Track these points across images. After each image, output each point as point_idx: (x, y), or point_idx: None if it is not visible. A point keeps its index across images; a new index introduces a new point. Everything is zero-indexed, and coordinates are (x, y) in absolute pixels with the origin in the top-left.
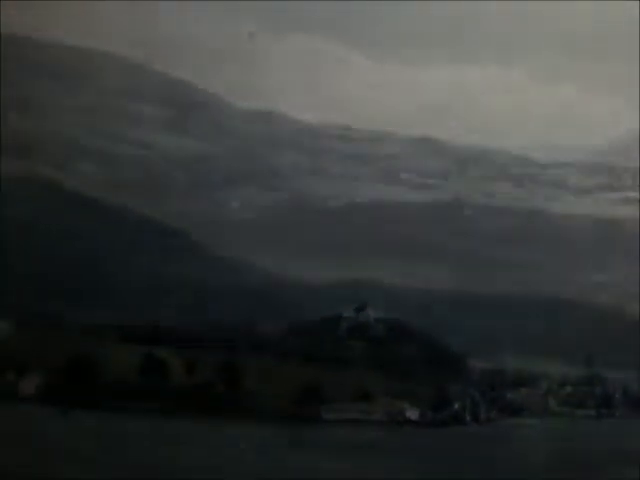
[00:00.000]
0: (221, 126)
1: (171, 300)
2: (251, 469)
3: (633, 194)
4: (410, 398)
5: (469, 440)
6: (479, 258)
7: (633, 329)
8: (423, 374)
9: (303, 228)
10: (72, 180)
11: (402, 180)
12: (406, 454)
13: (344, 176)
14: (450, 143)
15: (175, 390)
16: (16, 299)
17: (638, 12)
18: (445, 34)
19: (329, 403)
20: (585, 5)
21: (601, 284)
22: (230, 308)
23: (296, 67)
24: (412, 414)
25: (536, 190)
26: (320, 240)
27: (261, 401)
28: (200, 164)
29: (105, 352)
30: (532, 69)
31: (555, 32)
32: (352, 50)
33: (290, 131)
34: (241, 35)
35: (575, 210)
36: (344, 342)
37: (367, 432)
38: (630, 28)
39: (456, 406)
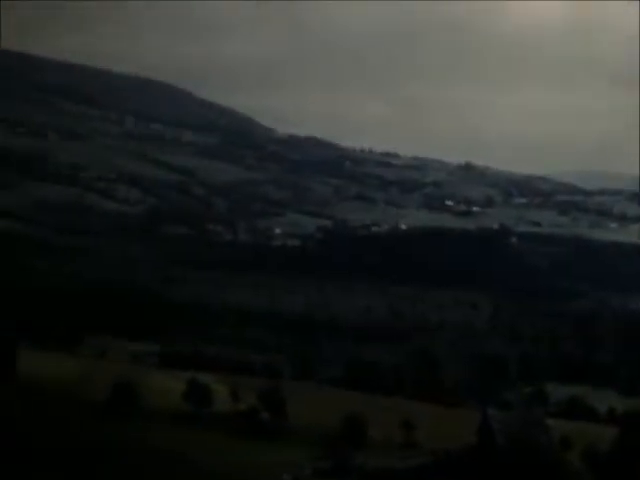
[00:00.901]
0: (263, 152)
1: (215, 326)
2: None
3: None
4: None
5: None
6: (523, 286)
7: None
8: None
9: (347, 254)
10: (118, 206)
11: (446, 207)
12: None
13: (388, 202)
14: (495, 170)
15: (219, 416)
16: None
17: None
18: (493, 59)
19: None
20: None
21: None
22: (273, 333)
23: (334, 92)
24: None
25: (581, 218)
26: (364, 267)
27: (305, 427)
28: (242, 191)
29: (148, 378)
30: (580, 97)
31: (609, 61)
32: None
33: (333, 157)
34: (281, 61)
35: (620, 238)
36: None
37: (413, 459)
38: None
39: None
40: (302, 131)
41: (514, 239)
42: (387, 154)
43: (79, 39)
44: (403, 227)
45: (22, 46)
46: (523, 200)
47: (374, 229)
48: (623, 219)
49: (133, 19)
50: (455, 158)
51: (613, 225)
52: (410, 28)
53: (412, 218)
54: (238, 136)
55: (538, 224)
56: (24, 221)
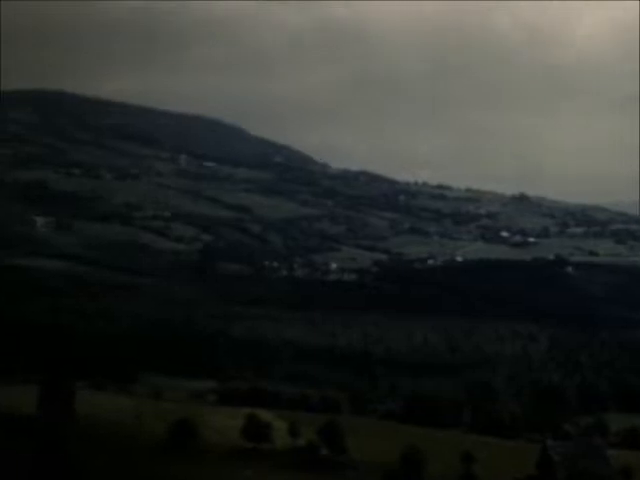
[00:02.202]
0: (317, 188)
1: (272, 362)
2: None
3: None
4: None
5: None
6: (581, 316)
7: None
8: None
9: (403, 288)
10: (173, 245)
11: (502, 238)
12: None
13: (443, 235)
14: (550, 200)
15: (278, 452)
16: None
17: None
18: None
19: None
20: None
21: None
22: (331, 368)
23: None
24: None
25: (638, 246)
26: (421, 300)
27: (364, 462)
28: (297, 226)
29: (206, 415)
30: (635, 127)
31: None
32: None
33: (387, 191)
34: (333, 96)
35: None
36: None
37: None
38: None
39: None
40: (355, 166)
41: (570, 269)
42: (441, 187)
43: (132, 80)
44: (459, 259)
45: (76, 87)
46: (579, 230)
47: (430, 262)
48: None
49: (185, 58)
50: (509, 189)
51: None
52: (462, 59)
53: (467, 250)
54: (292, 172)
55: (594, 253)
56: (80, 261)
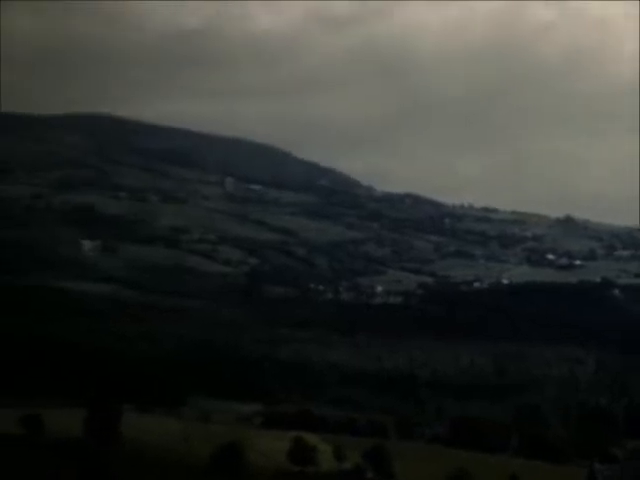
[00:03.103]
0: (363, 211)
1: (318, 385)
2: None
3: None
4: None
5: None
6: (629, 340)
7: None
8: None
9: (449, 311)
10: (219, 268)
11: (547, 261)
12: None
13: (488, 258)
14: (596, 223)
15: (324, 475)
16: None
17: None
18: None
19: None
20: None
21: None
22: (377, 392)
23: (431, 149)
24: None
25: None
26: (467, 323)
27: None
28: (343, 249)
29: (253, 438)
30: None
31: None
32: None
33: (432, 214)
34: (378, 119)
35: None
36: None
37: None
38: None
39: None
40: (401, 188)
41: (617, 291)
42: (486, 209)
43: (177, 104)
44: (505, 282)
45: (123, 111)
46: (625, 252)
47: (476, 285)
48: None
49: (229, 81)
50: (554, 211)
51: None
52: (507, 84)
53: (513, 273)
54: (337, 195)
55: None
56: (126, 285)
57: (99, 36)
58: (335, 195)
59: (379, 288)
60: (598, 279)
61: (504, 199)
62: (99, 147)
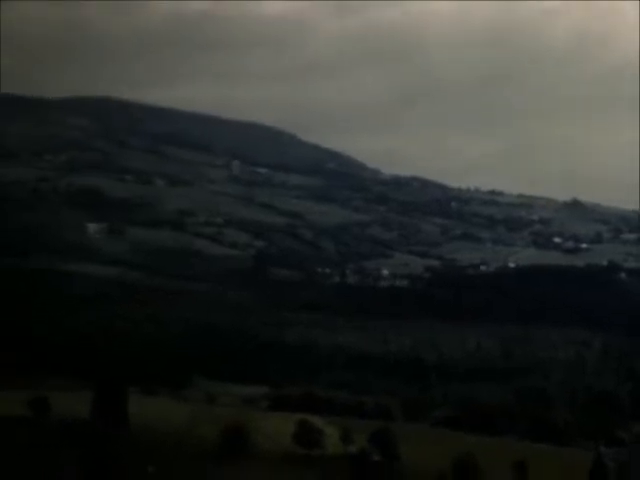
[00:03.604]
0: (369, 194)
1: (324, 368)
2: None
3: None
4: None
5: None
6: (635, 323)
7: None
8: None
9: (455, 294)
10: (226, 251)
11: (554, 244)
12: None
13: (495, 241)
14: (603, 206)
15: (330, 458)
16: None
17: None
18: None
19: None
20: None
21: None
22: (383, 375)
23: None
24: None
25: None
26: (474, 306)
27: (416, 469)
28: (349, 232)
29: (258, 421)
30: None
31: None
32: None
33: (439, 197)
34: (384, 101)
35: None
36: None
37: None
38: None
39: None
40: (407, 171)
41: (623, 275)
42: (493, 192)
43: (183, 88)
44: (511, 265)
45: (128, 95)
46: (632, 236)
47: (482, 268)
48: None
49: (235, 65)
50: (562, 195)
51: None
52: (515, 67)
53: (520, 256)
54: (344, 178)
55: None
56: (132, 267)
57: (104, 20)
58: (342, 178)
59: (385, 271)
60: (605, 262)
61: (511, 182)
62: (105, 130)
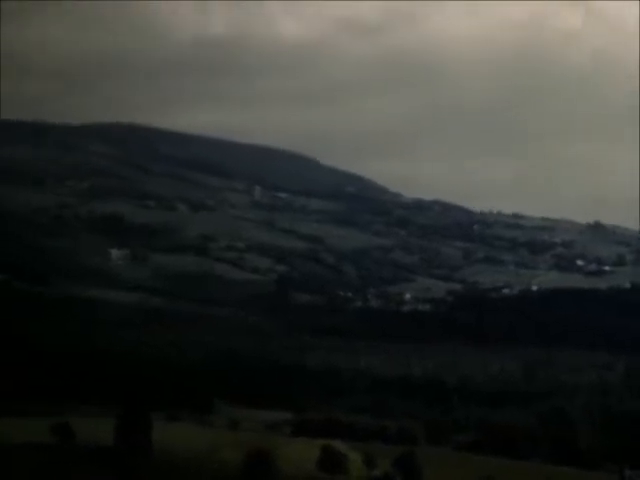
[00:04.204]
0: (391, 218)
1: (347, 393)
2: None
3: None
4: None
5: None
6: None
7: None
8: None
9: (478, 317)
10: (248, 275)
11: (577, 267)
12: None
13: (518, 264)
14: (625, 229)
15: None
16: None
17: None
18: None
19: None
20: None
21: None
22: (406, 399)
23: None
24: None
25: None
26: (496, 329)
27: None
28: (371, 257)
29: (282, 446)
30: None
31: None
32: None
33: (461, 220)
34: (405, 125)
35: None
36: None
37: None
38: None
39: None
40: (429, 195)
41: None
42: (515, 215)
43: (204, 113)
44: (534, 288)
45: (149, 120)
46: None
47: (505, 291)
48: None
49: (255, 90)
50: (584, 217)
51: None
52: (535, 90)
53: (543, 279)
54: (365, 202)
55: None
56: (155, 293)
57: (126, 46)
58: (362, 202)
59: (408, 295)
60: (627, 285)
61: (533, 205)
62: (127, 156)
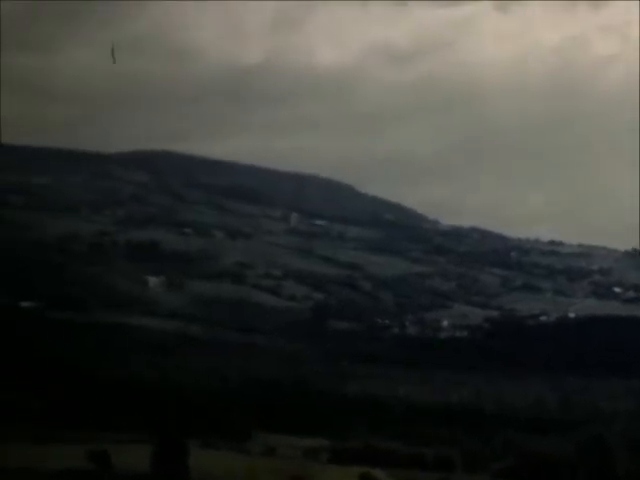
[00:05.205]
0: (428, 245)
1: (385, 420)
2: None
3: None
4: None
5: None
6: None
7: None
8: None
9: (515, 345)
10: (285, 303)
11: (614, 294)
12: None
13: (555, 291)
14: None
15: None
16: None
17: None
18: None
19: None
20: None
21: None
22: (444, 426)
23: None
24: None
25: None
26: (533, 357)
27: None
28: (408, 284)
29: (320, 474)
30: None
31: None
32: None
33: (498, 248)
34: (442, 152)
35: None
36: None
37: None
38: None
39: None
40: (466, 222)
41: None
42: (553, 243)
43: (238, 140)
44: (571, 316)
45: (184, 147)
46: None
47: (542, 318)
48: None
49: (291, 117)
50: (621, 244)
51: None
52: (569, 113)
53: (580, 306)
54: (403, 229)
55: None
56: (192, 320)
57: (162, 73)
58: (400, 229)
59: (445, 322)
60: None
61: (569, 232)
62: (164, 184)
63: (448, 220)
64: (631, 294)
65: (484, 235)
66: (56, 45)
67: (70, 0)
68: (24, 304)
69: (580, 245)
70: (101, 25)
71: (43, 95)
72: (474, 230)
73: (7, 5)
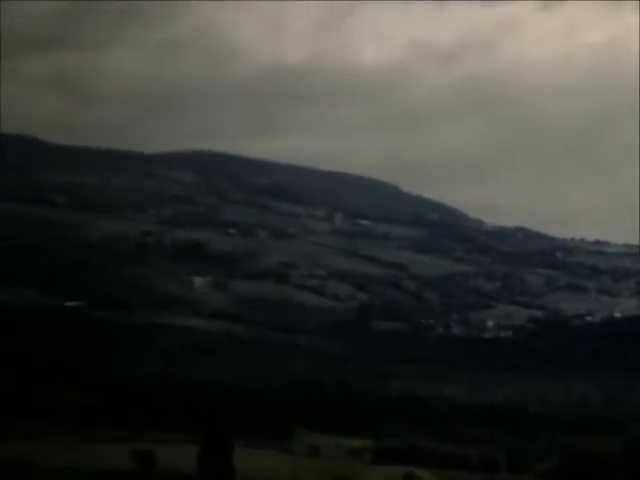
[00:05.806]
0: (472, 245)
1: (429, 420)
2: None
3: None
4: None
5: None
6: None
7: None
8: None
9: (560, 344)
10: (329, 303)
11: None
12: None
13: (600, 291)
14: None
15: None
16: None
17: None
18: None
19: None
20: None
21: None
22: (488, 426)
23: (539, 181)
24: None
25: None
26: (578, 356)
27: None
28: (453, 283)
29: (363, 474)
30: None
31: None
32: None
33: (543, 247)
34: (480, 155)
35: None
36: None
37: None
38: None
39: None
40: (511, 222)
41: None
42: (598, 242)
43: (282, 140)
44: (617, 315)
45: (227, 147)
46: None
47: (587, 318)
48: None
49: (335, 116)
50: None
51: None
52: (613, 112)
53: (625, 306)
54: (447, 229)
55: None
56: (237, 321)
57: (205, 74)
58: (444, 229)
59: (490, 322)
60: None
61: (616, 231)
62: (207, 184)
63: (492, 220)
64: None
65: (528, 235)
66: (102, 45)
67: (116, 0)
68: (68, 304)
69: (625, 245)
70: (147, 25)
71: (89, 95)
72: (519, 230)
73: (55, 5)
